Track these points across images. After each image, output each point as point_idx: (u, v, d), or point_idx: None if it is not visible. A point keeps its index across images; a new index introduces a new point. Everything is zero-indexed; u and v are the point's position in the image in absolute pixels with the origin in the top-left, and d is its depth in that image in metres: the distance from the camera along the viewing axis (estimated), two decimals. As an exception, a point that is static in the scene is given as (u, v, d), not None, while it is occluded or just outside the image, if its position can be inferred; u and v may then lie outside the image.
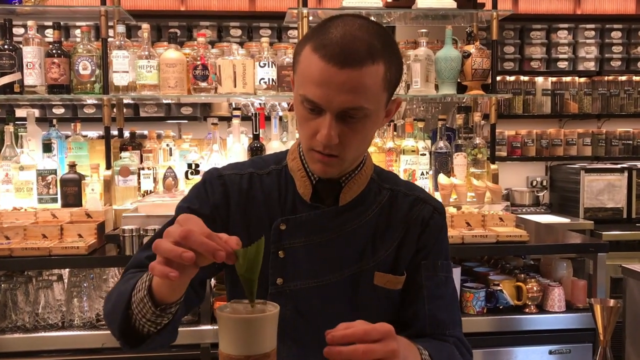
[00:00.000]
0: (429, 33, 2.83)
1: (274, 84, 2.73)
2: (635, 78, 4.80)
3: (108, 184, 2.71)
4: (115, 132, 3.09)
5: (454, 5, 2.89)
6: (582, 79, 4.78)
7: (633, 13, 5.01)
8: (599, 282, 2.39)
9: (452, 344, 1.21)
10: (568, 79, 4.78)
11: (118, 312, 1.04)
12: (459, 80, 2.83)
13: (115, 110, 3.03)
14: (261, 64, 2.72)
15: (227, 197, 1.22)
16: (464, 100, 3.02)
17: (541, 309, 2.41)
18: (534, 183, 4.96)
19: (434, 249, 1.25)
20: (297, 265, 1.19)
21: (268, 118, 2.91)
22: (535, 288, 2.38)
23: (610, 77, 4.78)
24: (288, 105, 3.06)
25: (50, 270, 2.38)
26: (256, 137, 2.75)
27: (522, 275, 2.44)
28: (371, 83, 1.05)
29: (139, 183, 2.75)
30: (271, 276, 1.19)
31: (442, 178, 2.66)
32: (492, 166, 2.82)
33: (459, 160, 2.75)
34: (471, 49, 2.80)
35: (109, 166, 2.77)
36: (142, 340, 1.05)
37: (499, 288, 2.37)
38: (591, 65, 4.76)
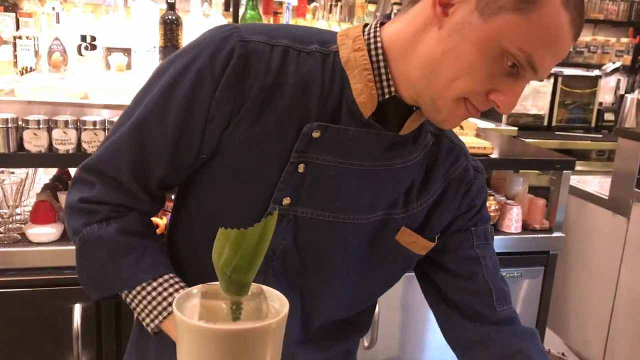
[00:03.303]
0: None
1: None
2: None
3: (-28, 55, 2.07)
4: (-20, -13, 2.38)
5: None
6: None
7: None
8: (560, 202, 2.17)
9: (520, 322, 1.05)
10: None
11: (103, 291, 0.89)
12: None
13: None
14: None
15: (246, 77, 0.82)
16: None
17: (496, 229, 2.17)
18: (458, 84, 4.73)
19: (482, 214, 1.03)
20: (316, 188, 0.87)
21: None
22: (493, 207, 2.12)
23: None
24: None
25: None
26: (171, 6, 2.19)
27: (479, 192, 2.17)
28: None
29: (15, 57, 2.13)
30: (278, 192, 0.85)
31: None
32: (449, 64, 2.45)
33: (413, 54, 2.35)
34: None
35: (-28, 31, 2.12)
36: None
37: (455, 206, 2.09)
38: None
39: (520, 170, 2.41)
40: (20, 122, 1.71)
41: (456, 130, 2.16)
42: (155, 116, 0.84)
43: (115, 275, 0.84)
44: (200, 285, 0.54)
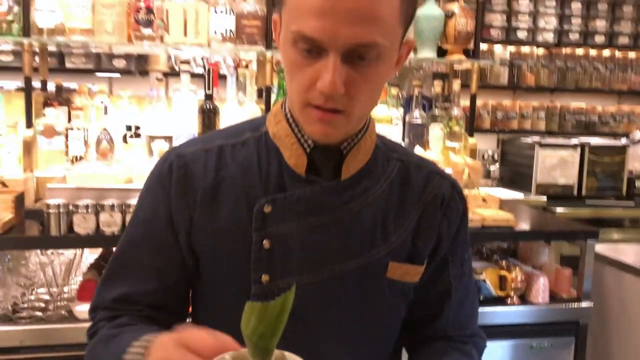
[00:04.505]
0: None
1: (231, 35, 2.34)
2: (591, 52, 4.70)
3: (28, 147, 2.26)
4: (37, 84, 2.62)
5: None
6: (541, 51, 4.64)
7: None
8: (586, 271, 2.20)
9: (472, 344, 1.08)
10: (527, 49, 4.62)
11: None
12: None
13: (37, 58, 2.56)
14: (217, 11, 2.32)
15: (190, 182, 0.95)
16: (439, 67, 2.74)
17: (523, 299, 2.21)
18: (485, 156, 4.81)
19: (460, 240, 1.05)
20: (288, 257, 0.93)
21: (220, 76, 2.54)
22: (519, 277, 2.16)
23: (568, 50, 4.66)
24: (238, 62, 2.68)
25: (-45, 249, 1.95)
26: (209, 97, 2.37)
27: (505, 263, 2.22)
28: (386, 12, 0.81)
29: (67, 146, 2.32)
30: (254, 272, 0.92)
31: (419, 152, 2.39)
32: (471, 140, 2.57)
33: (436, 132, 2.48)
34: (454, 7, 2.50)
35: (29, 125, 2.30)
36: None
37: (482, 277, 2.14)
38: (550, 37, 4.61)
39: (548, 241, 2.46)
40: (70, 207, 1.87)
41: (479, 202, 2.22)
42: (131, 245, 0.99)
43: (111, 357, 0.87)
44: (231, 352, 0.63)
